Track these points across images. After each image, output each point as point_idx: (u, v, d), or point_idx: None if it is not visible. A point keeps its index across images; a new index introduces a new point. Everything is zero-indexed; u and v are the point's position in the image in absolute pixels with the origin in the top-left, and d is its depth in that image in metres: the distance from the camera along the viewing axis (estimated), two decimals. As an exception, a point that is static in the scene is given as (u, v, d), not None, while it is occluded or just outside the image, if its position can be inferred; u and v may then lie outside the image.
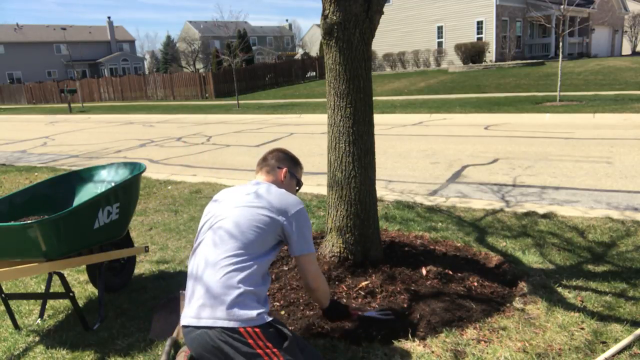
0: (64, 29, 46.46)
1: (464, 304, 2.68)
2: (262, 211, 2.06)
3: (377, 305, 2.66)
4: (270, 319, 1.94)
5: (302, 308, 2.69)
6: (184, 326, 1.95)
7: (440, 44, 27.96)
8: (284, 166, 2.41)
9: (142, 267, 3.61)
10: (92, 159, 9.24)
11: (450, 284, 2.89)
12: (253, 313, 1.90)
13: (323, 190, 5.22)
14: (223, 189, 2.31)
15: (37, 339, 2.69)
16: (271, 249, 2.10)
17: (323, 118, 5.59)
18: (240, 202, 2.11)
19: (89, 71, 54.81)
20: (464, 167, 6.61)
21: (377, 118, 4.29)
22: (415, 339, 2.40)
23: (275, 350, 1.86)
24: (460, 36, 26.69)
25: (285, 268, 3.15)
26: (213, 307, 1.89)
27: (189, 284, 2.03)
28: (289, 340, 1.90)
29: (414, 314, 2.59)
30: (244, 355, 1.85)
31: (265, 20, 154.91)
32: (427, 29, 28.22)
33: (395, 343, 2.38)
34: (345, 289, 2.81)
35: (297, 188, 2.47)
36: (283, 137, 10.66)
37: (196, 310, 1.92)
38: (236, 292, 1.90)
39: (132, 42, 63.60)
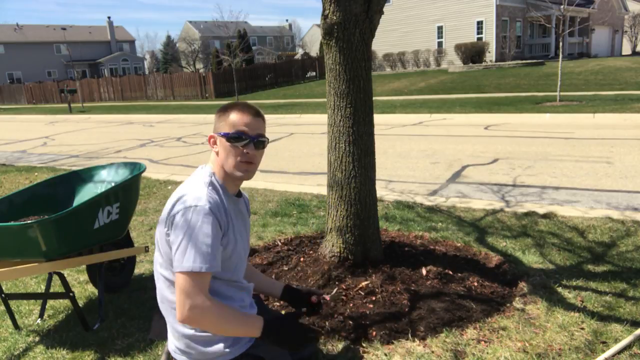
0: (64, 29, 46.50)
1: (464, 304, 2.69)
2: (161, 224, 1.62)
3: (376, 306, 2.66)
4: (239, 353, 1.64)
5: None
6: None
7: (440, 44, 27.95)
8: (213, 131, 1.70)
9: (142, 267, 3.61)
10: (92, 159, 9.24)
11: (450, 284, 2.89)
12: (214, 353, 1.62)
13: (323, 190, 5.22)
14: None
15: (37, 339, 2.68)
16: None
17: (323, 118, 5.59)
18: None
19: (89, 71, 54.81)
20: (464, 167, 6.61)
21: (377, 118, 4.30)
22: (415, 339, 2.40)
23: None
24: (460, 36, 26.68)
25: (285, 268, 3.15)
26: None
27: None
28: None
29: (414, 314, 2.59)
30: None
31: (265, 20, 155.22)
32: (427, 29, 28.21)
33: (395, 343, 2.38)
34: (345, 288, 2.81)
35: (241, 147, 1.63)
36: (283, 137, 10.66)
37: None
38: (185, 333, 1.64)
39: (132, 42, 63.58)
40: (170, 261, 1.57)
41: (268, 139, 1.71)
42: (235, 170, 1.64)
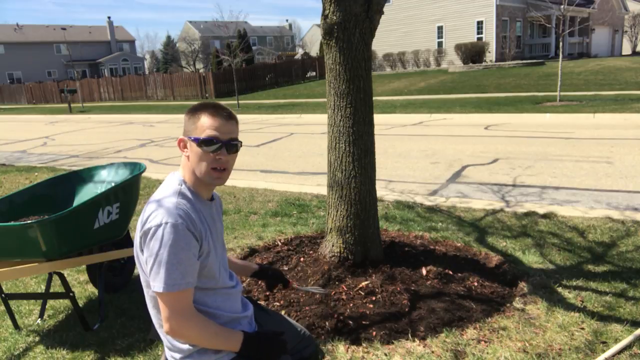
0: (64, 29, 46.40)
1: (464, 304, 2.69)
2: (137, 237, 1.53)
3: (376, 306, 2.66)
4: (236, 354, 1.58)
5: (301, 308, 2.69)
6: None
7: (440, 44, 27.95)
8: (183, 133, 1.59)
9: (142, 267, 3.61)
10: (92, 159, 9.24)
11: (450, 284, 2.89)
12: None
13: (323, 190, 5.22)
14: None
15: (37, 339, 2.68)
16: None
17: (323, 118, 5.59)
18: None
19: (89, 71, 54.79)
20: (464, 167, 6.61)
21: (377, 118, 4.29)
22: (415, 339, 2.40)
23: None
24: (460, 36, 26.68)
25: (286, 268, 3.16)
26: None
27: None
28: None
29: (414, 314, 2.59)
30: None
31: (265, 20, 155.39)
32: (427, 29, 28.21)
33: (395, 343, 2.38)
34: (345, 289, 2.81)
35: (212, 153, 1.53)
36: (283, 137, 10.66)
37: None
38: (182, 348, 1.59)
39: (132, 42, 63.57)
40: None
41: (241, 142, 1.61)
42: (206, 176, 1.55)
